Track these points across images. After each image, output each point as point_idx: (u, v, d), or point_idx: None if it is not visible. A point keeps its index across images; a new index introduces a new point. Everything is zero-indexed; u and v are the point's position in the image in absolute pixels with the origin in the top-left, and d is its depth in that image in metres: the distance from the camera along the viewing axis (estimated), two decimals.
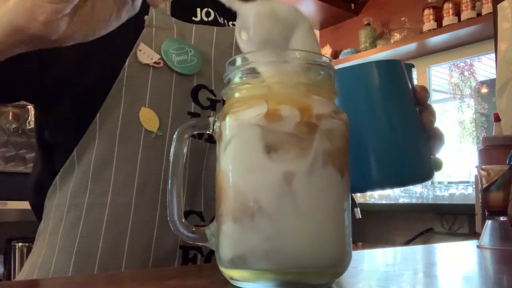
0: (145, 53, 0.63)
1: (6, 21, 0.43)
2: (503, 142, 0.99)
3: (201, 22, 0.71)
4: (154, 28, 0.65)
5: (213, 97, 0.67)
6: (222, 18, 0.75)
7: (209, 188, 0.66)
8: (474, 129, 2.73)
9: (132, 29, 0.64)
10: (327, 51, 3.14)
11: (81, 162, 0.63)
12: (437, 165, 0.59)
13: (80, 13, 0.44)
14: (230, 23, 0.76)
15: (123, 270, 0.60)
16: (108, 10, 0.45)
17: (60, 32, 0.43)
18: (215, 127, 0.43)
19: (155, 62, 0.64)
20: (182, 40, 0.67)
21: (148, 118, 0.62)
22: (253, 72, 0.42)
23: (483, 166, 0.79)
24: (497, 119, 1.06)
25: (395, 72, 0.57)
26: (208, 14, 0.73)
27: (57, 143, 0.67)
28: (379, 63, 0.58)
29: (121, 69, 0.62)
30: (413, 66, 0.60)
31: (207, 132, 0.44)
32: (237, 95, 0.42)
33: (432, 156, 0.58)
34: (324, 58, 0.42)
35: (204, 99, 0.66)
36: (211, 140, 0.66)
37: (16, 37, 0.43)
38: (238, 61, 0.42)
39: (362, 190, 0.55)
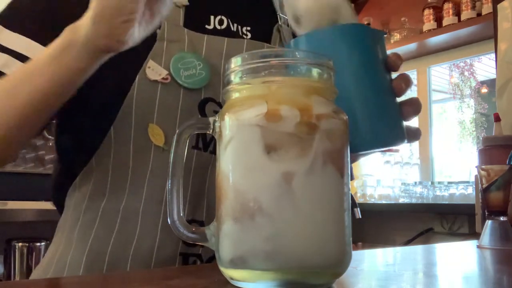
0: (153, 70, 0.65)
1: (92, 46, 0.53)
2: (503, 142, 0.99)
3: (214, 30, 0.72)
4: (165, 42, 0.66)
5: (220, 109, 0.68)
6: (235, 25, 0.75)
7: (212, 198, 0.67)
8: (474, 129, 2.74)
9: (144, 44, 0.64)
10: None
11: (98, 167, 0.65)
12: (414, 134, 0.60)
13: (145, 17, 0.53)
14: (244, 29, 0.76)
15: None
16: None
17: (135, 40, 0.53)
18: (215, 127, 0.43)
19: (163, 78, 0.65)
20: (192, 54, 0.67)
21: (156, 134, 0.65)
22: (253, 72, 0.42)
23: (483, 166, 0.79)
24: (497, 119, 1.06)
25: (362, 36, 0.56)
26: (221, 22, 0.73)
27: (75, 150, 0.69)
28: (342, 28, 0.58)
29: (131, 85, 0.64)
30: (385, 33, 0.59)
31: (207, 132, 0.44)
32: (237, 95, 0.42)
33: (404, 122, 0.58)
34: (324, 58, 0.42)
35: (210, 112, 0.68)
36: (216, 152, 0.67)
37: (100, 57, 0.55)
38: (238, 61, 0.42)
39: None
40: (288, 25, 0.82)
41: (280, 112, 0.38)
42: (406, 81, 0.59)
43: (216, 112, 0.67)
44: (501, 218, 0.77)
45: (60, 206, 0.72)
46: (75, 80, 0.57)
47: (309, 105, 0.39)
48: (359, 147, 0.55)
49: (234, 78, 0.43)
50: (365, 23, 2.93)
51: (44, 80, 0.55)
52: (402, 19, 2.75)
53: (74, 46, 0.54)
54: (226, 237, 0.40)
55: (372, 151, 0.60)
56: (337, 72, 0.53)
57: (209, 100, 0.68)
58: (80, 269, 0.63)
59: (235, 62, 0.42)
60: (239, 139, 0.40)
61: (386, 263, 0.62)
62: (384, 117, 0.56)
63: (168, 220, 0.45)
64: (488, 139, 1.02)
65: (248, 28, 0.76)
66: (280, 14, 0.81)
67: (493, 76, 1.97)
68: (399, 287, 0.43)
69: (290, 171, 0.38)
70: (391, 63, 0.58)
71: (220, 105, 0.68)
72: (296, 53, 0.43)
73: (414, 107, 0.59)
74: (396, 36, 2.72)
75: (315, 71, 0.42)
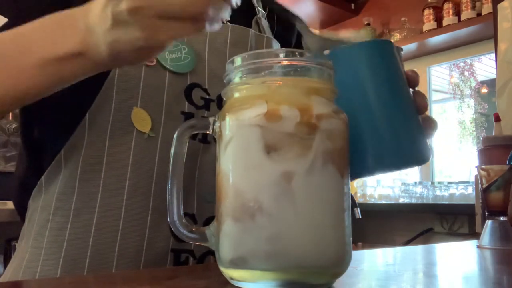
0: None
1: (113, 61, 0.47)
2: (503, 142, 0.99)
3: None
4: None
5: (207, 96, 0.66)
6: None
7: (202, 189, 0.64)
8: (474, 129, 2.73)
9: None
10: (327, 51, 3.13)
11: (68, 162, 0.60)
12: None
13: None
14: (224, 19, 0.74)
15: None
16: None
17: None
18: (215, 127, 0.43)
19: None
20: None
21: (141, 119, 0.60)
22: (253, 72, 0.42)
23: (483, 166, 0.79)
24: (497, 119, 1.06)
25: (389, 52, 0.55)
26: None
27: (44, 141, 0.64)
28: (373, 44, 0.57)
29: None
30: (402, 49, 0.59)
31: (207, 132, 0.44)
32: (237, 95, 0.42)
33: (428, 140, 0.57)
34: (324, 59, 0.42)
35: (198, 98, 0.65)
36: (205, 140, 0.65)
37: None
38: (238, 61, 0.42)
39: (358, 175, 0.54)
40: (266, 19, 0.81)
41: (280, 112, 0.38)
42: (425, 98, 0.58)
43: (203, 99, 0.65)
44: (501, 218, 0.77)
45: (23, 209, 0.66)
46: (58, 87, 0.50)
47: (309, 105, 0.39)
48: (387, 167, 0.53)
49: (234, 78, 0.43)
50: (365, 23, 2.93)
51: (26, 83, 0.49)
52: (402, 19, 2.75)
53: (84, 58, 0.46)
54: (226, 237, 0.40)
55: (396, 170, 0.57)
56: (366, 87, 0.52)
57: (195, 86, 0.65)
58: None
59: (235, 62, 0.42)
60: (239, 139, 0.40)
61: (386, 263, 0.62)
62: (415, 133, 0.54)
63: (168, 220, 0.45)
64: (488, 139, 1.02)
65: (228, 19, 0.74)
66: (258, 8, 0.80)
67: (493, 76, 1.96)
68: (399, 287, 0.43)
69: (290, 171, 0.38)
70: (412, 79, 0.57)
71: (207, 92, 0.66)
72: (296, 53, 0.43)
73: (433, 124, 0.58)
74: (396, 36, 2.71)
75: (315, 71, 0.42)
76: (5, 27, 0.56)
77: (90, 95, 0.60)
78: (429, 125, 0.57)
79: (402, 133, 0.53)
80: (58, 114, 0.63)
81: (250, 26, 0.76)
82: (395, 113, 0.53)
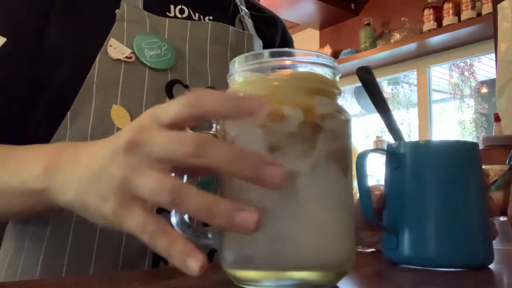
0: (115, 48, 0.62)
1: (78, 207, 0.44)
2: (503, 142, 0.99)
3: (175, 18, 0.70)
4: (125, 22, 0.63)
5: None
6: (197, 14, 0.73)
7: None
8: (474, 129, 2.74)
9: (103, 24, 0.62)
10: (327, 51, 3.14)
11: None
12: None
13: None
14: (207, 18, 0.74)
15: (92, 271, 0.59)
16: None
17: None
18: (218, 127, 0.43)
19: (126, 57, 0.62)
20: (155, 34, 0.65)
21: (120, 116, 0.60)
22: (256, 72, 0.42)
23: (483, 166, 0.79)
24: (497, 119, 1.06)
25: (476, 154, 0.56)
26: (182, 11, 0.71)
27: (23, 143, 0.63)
28: (464, 144, 0.58)
29: (91, 65, 0.60)
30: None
31: (210, 132, 0.44)
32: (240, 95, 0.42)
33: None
34: (327, 59, 0.43)
35: (179, 95, 0.65)
36: None
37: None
38: (242, 61, 0.42)
39: (416, 263, 0.54)
40: (249, 17, 0.81)
41: (283, 112, 0.39)
42: (494, 202, 0.58)
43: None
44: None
45: None
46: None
47: (313, 105, 0.40)
48: (447, 264, 0.53)
49: (238, 78, 0.43)
50: (365, 23, 2.94)
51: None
52: (402, 19, 2.75)
53: (45, 197, 0.46)
54: (230, 237, 0.40)
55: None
56: (450, 185, 0.52)
57: (176, 82, 0.65)
58: (36, 274, 0.59)
59: (238, 62, 0.42)
60: (242, 139, 0.40)
61: (388, 263, 0.62)
62: (482, 238, 0.54)
63: (171, 219, 0.45)
64: (488, 139, 1.03)
65: (211, 18, 0.74)
66: (241, 6, 0.80)
67: (493, 76, 1.97)
68: (400, 286, 0.43)
69: (294, 171, 0.38)
70: (487, 182, 0.60)
71: (188, 88, 0.65)
72: (299, 52, 0.43)
73: (495, 228, 0.59)
74: (396, 36, 2.72)
75: (318, 71, 0.42)
76: None
77: (70, 94, 0.60)
78: (494, 228, 0.58)
79: (475, 234, 0.54)
80: (38, 114, 0.63)
81: (233, 24, 0.76)
82: (472, 214, 0.54)
